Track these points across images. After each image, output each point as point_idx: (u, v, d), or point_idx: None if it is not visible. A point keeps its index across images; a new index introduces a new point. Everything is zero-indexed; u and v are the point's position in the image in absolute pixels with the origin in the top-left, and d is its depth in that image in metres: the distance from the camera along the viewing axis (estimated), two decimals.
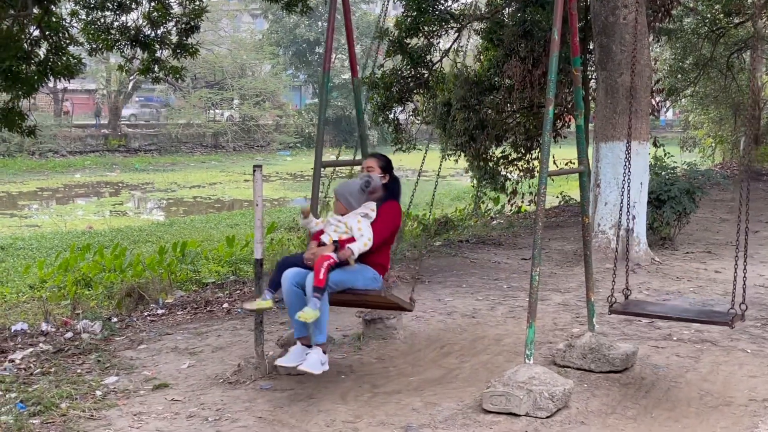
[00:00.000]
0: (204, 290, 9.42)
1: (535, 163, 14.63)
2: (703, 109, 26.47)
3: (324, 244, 5.22)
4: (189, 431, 4.67)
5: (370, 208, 5.32)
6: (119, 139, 40.88)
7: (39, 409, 4.96)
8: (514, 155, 14.81)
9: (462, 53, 12.98)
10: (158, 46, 9.65)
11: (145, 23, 9.52)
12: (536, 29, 12.26)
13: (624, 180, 5.47)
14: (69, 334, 6.92)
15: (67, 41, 9.02)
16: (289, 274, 5.16)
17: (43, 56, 8.86)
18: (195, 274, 10.62)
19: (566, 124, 14.45)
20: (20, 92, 8.58)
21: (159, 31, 9.62)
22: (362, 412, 4.88)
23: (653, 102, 13.83)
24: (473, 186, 16.60)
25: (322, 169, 6.28)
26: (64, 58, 8.84)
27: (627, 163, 5.45)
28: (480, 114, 13.12)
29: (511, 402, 4.70)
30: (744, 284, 5.01)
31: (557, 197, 16.90)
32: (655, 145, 12.94)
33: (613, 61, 9.73)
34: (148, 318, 7.84)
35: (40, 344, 6.62)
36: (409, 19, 12.96)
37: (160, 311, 8.12)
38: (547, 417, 4.69)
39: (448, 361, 5.92)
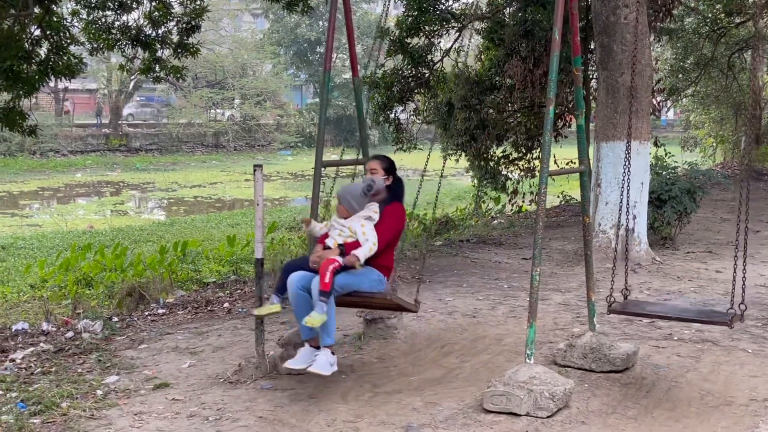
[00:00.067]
0: (205, 290, 9.42)
1: (536, 162, 14.62)
2: (704, 108, 26.46)
3: (329, 248, 5.22)
4: (189, 431, 4.68)
5: (373, 210, 5.31)
6: (120, 139, 40.86)
7: (39, 408, 4.96)
8: (514, 155, 14.80)
9: (463, 53, 12.98)
10: (159, 46, 9.66)
11: (146, 23, 9.52)
12: (537, 29, 12.26)
13: (624, 180, 5.47)
14: (70, 334, 6.93)
15: (68, 41, 9.02)
16: (295, 278, 5.17)
17: (44, 56, 8.86)
18: (196, 273, 10.62)
19: (567, 124, 14.44)
20: (21, 92, 8.59)
21: (160, 31, 9.63)
22: (363, 412, 4.89)
23: (654, 102, 13.83)
24: (474, 185, 16.58)
25: (323, 169, 6.29)
26: (65, 58, 8.84)
27: (627, 163, 5.44)
28: (481, 113, 13.12)
29: (512, 402, 4.70)
30: (744, 284, 5.00)
31: (558, 197, 16.90)
32: (656, 144, 12.95)
33: (614, 61, 9.73)
34: (149, 317, 7.84)
35: (41, 344, 6.63)
36: (410, 18, 12.95)
37: (160, 311, 8.13)
38: (548, 417, 4.69)
39: (449, 361, 5.92)
